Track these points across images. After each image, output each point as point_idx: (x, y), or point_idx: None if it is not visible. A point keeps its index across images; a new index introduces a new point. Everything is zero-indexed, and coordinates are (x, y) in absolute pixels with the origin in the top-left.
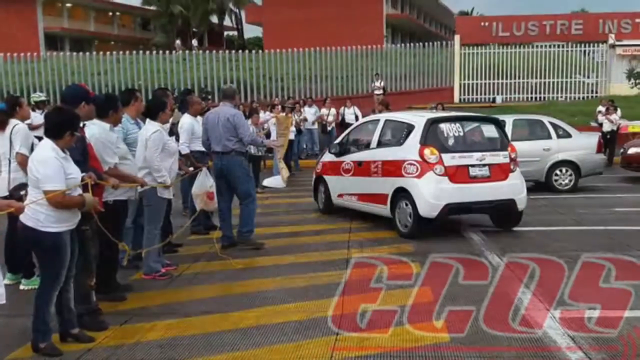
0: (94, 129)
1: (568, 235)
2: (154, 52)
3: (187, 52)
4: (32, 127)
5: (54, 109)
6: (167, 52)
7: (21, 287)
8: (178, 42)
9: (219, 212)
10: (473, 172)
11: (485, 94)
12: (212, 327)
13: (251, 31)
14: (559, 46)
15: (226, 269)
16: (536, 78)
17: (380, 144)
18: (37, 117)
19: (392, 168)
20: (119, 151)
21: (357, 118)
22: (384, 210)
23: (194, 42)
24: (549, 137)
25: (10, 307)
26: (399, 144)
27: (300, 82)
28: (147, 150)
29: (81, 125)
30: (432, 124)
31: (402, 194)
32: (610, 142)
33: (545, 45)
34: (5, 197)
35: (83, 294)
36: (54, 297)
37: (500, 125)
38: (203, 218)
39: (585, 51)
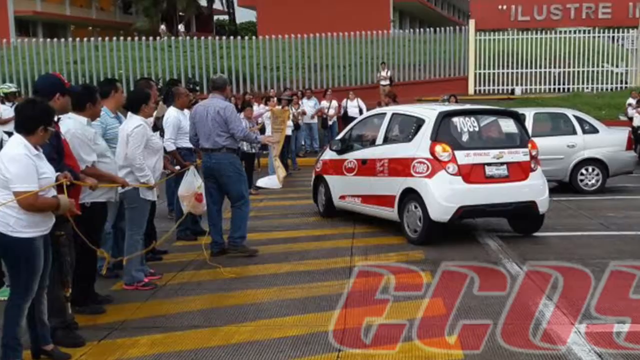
0: (70, 124)
1: (595, 241)
2: (136, 38)
3: (172, 38)
4: (1, 122)
5: (25, 101)
6: (151, 38)
7: None
8: (163, 27)
9: (208, 215)
10: (489, 171)
11: (503, 85)
12: (201, 343)
13: (244, 15)
14: (584, 32)
15: (216, 279)
16: (559, 67)
17: (386, 140)
18: (7, 111)
19: (400, 167)
20: (98, 148)
21: (361, 111)
22: (391, 213)
23: (181, 27)
24: (574, 132)
25: None
26: (407, 140)
27: (298, 71)
28: (128, 147)
29: (55, 119)
30: (444, 118)
31: (411, 195)
32: None
33: (570, 31)
34: None
35: (57, 307)
36: (26, 310)
37: (519, 120)
38: (190, 222)
39: (613, 37)
